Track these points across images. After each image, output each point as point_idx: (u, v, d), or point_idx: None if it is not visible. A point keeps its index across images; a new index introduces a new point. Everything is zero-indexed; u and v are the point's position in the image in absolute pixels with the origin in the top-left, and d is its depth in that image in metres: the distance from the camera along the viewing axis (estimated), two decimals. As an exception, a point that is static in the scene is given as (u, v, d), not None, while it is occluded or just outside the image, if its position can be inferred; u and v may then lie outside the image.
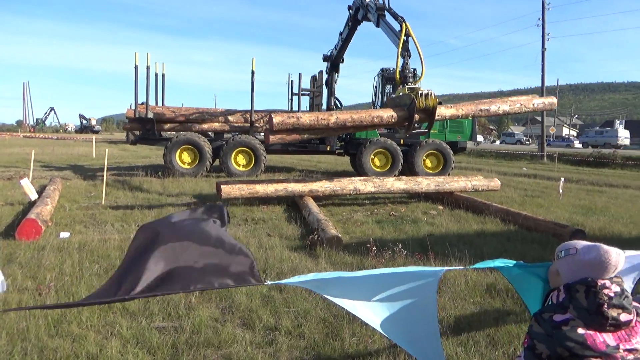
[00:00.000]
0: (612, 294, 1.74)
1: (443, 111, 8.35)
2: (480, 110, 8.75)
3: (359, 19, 12.52)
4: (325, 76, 15.23)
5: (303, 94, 15.49)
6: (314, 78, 15.96)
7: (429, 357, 2.40)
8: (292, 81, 15.45)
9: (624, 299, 1.75)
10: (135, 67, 13.97)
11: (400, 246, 5.47)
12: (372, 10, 11.07)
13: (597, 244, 1.87)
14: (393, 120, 8.12)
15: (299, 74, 15.23)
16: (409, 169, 15.04)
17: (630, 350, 1.70)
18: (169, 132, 16.13)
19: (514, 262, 2.30)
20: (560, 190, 11.43)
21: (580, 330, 1.69)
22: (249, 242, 6.12)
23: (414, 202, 10.16)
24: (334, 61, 14.49)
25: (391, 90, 16.18)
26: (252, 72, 14.68)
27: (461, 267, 2.45)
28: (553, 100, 9.53)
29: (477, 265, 2.29)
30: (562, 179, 12.19)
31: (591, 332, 1.70)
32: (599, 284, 1.76)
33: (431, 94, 7.73)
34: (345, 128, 8.26)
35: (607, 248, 1.82)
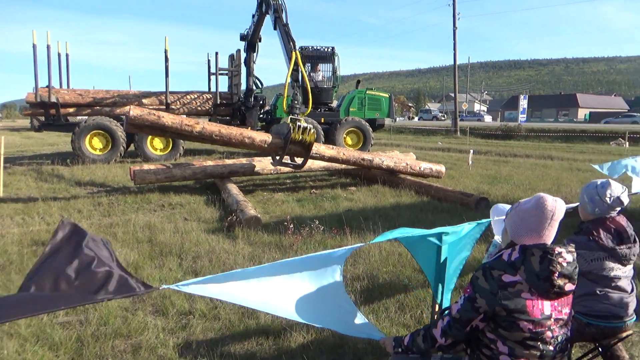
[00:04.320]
0: (565, 263, 1.77)
1: (323, 150, 8.36)
2: (362, 159, 8.82)
3: (263, 11, 12.06)
4: (243, 55, 14.89)
5: (221, 74, 15.07)
6: (231, 57, 15.56)
7: (357, 329, 2.40)
8: (209, 60, 14.96)
9: (574, 269, 1.80)
10: (34, 46, 12.82)
11: (317, 222, 5.56)
12: (271, 9, 10.53)
13: (538, 193, 1.88)
14: (265, 145, 7.82)
15: (216, 53, 14.76)
16: (331, 147, 15.24)
17: (557, 320, 1.79)
18: (78, 117, 15.11)
19: (411, 230, 2.40)
20: (470, 162, 12.19)
21: (524, 295, 1.73)
22: (165, 228, 5.93)
23: (335, 179, 10.36)
24: (250, 41, 14.19)
25: (310, 68, 16.22)
26: (166, 52, 14.02)
27: (362, 245, 2.48)
28: (441, 168, 9.72)
29: (377, 239, 2.35)
30: (472, 151, 12.98)
31: (533, 299, 1.74)
32: (556, 251, 1.77)
33: (310, 130, 7.74)
34: (212, 140, 7.78)
35: (543, 195, 1.84)
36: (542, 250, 1.76)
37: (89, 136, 13.16)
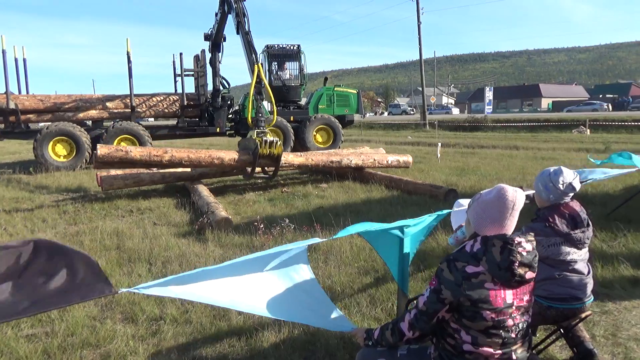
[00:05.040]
0: (525, 253, 1.82)
1: (291, 159, 8.54)
2: (331, 161, 8.98)
3: (225, 10, 11.89)
4: (208, 55, 14.71)
5: (186, 75, 14.82)
6: (196, 57, 15.36)
7: (332, 321, 2.39)
8: (174, 62, 14.72)
9: (534, 258, 1.86)
10: (-12, 52, 12.40)
11: (287, 221, 5.57)
12: (232, 11, 10.32)
13: (499, 184, 1.93)
14: (235, 162, 8.04)
15: (180, 54, 14.50)
16: (301, 145, 15.27)
17: (519, 308, 1.85)
18: (39, 124, 14.66)
19: (373, 224, 2.43)
20: (439, 155, 12.39)
21: (487, 285, 1.78)
22: (133, 234, 5.83)
23: (306, 177, 10.38)
24: (214, 40, 14.02)
25: (277, 67, 16.17)
26: (128, 54, 13.71)
27: (324, 239, 2.49)
28: (408, 158, 9.87)
29: (339, 234, 2.37)
30: (440, 144, 13.20)
31: (496, 288, 1.79)
32: (516, 241, 1.82)
33: (276, 143, 7.95)
34: (182, 165, 7.92)
35: (504, 186, 1.89)
36: (503, 241, 1.81)
37: (52, 143, 12.81)
